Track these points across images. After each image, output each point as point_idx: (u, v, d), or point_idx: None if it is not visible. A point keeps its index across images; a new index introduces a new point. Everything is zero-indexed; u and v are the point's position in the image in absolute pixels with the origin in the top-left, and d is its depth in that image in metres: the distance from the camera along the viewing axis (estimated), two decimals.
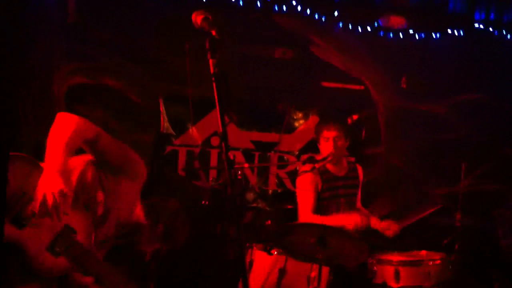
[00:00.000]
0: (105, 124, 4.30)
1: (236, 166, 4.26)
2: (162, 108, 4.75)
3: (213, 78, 2.17)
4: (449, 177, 4.52)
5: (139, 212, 2.34)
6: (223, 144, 2.14)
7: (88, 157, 2.26)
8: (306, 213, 3.80)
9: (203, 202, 3.49)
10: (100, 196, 2.22)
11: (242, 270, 2.12)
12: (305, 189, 3.82)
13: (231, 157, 2.12)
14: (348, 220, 3.69)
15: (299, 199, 3.89)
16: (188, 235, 2.42)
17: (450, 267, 3.71)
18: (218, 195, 3.71)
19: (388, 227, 3.82)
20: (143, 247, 2.43)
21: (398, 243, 3.86)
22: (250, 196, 4.79)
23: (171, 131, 4.77)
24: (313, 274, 3.18)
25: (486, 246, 4.69)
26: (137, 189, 2.31)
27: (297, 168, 4.10)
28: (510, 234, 4.88)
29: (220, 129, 2.14)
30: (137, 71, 4.45)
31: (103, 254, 2.32)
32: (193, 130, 4.76)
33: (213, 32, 2.20)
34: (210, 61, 2.19)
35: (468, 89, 5.41)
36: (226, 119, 2.16)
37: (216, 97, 2.16)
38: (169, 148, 4.83)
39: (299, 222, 3.84)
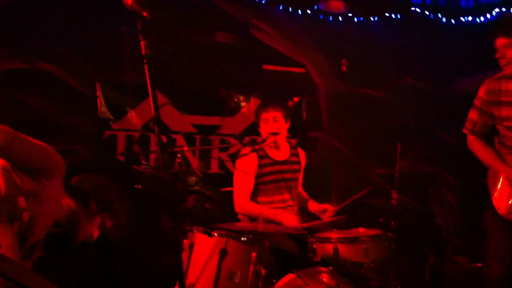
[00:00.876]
0: (43, 108, 4.20)
1: (176, 149, 4.26)
2: (99, 93, 4.65)
3: (145, 61, 2.15)
4: (387, 159, 4.66)
5: (65, 200, 2.27)
6: (156, 128, 2.13)
7: (0, 162, 2.11)
8: (241, 197, 3.83)
9: (136, 186, 3.46)
10: (21, 201, 2.11)
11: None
12: (243, 172, 3.84)
13: (165, 140, 2.11)
14: (286, 220, 3.72)
15: (236, 181, 3.90)
16: (129, 206, 2.39)
17: (387, 243, 3.83)
18: (151, 179, 3.68)
19: (324, 210, 3.90)
20: (85, 231, 2.38)
21: (337, 223, 3.95)
22: (191, 179, 4.77)
23: (109, 115, 4.68)
24: (254, 254, 3.21)
25: (421, 224, 4.87)
26: (59, 184, 2.23)
27: (239, 151, 4.10)
28: (445, 213, 5.10)
29: (153, 112, 2.13)
30: (74, 56, 4.34)
31: (35, 258, 2.23)
32: (132, 114, 4.69)
33: (145, 14, 2.17)
34: (142, 43, 2.17)
35: (406, 73, 5.56)
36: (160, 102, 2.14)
37: (148, 79, 2.14)
38: (107, 133, 4.77)
39: (234, 204, 3.87)
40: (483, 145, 3.41)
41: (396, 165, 4.42)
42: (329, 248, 3.62)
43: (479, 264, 4.53)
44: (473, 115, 3.45)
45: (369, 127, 5.30)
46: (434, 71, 5.65)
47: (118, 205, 2.39)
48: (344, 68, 5.45)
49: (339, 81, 5.33)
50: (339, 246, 3.62)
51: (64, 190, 2.26)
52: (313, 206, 4.01)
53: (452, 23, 5.93)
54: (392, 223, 4.13)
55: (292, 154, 4.10)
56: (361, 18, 5.68)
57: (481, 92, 3.40)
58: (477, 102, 3.43)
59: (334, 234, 3.70)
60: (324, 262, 3.54)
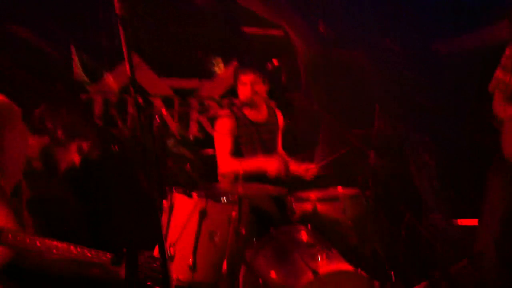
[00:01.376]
0: (13, 75, 4.10)
1: (154, 111, 4.25)
2: (74, 55, 4.55)
3: (119, 21, 2.12)
4: (364, 120, 4.70)
5: (32, 139, 2.32)
6: (132, 89, 2.12)
7: None
8: (223, 157, 3.87)
9: (113, 147, 3.45)
10: None
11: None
12: (223, 133, 3.88)
13: (142, 103, 2.10)
14: (268, 164, 3.77)
15: (217, 143, 3.94)
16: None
17: (364, 202, 3.91)
18: (128, 140, 3.68)
19: (306, 170, 3.96)
20: (66, 159, 2.45)
21: (316, 181, 4.01)
22: (170, 142, 4.78)
23: (84, 78, 4.60)
24: (234, 214, 3.26)
25: (397, 182, 4.96)
26: (19, 127, 2.23)
27: (217, 113, 4.13)
28: (421, 172, 5.20)
29: (129, 74, 2.11)
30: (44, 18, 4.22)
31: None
32: (108, 77, 4.62)
33: None
34: (116, 3, 2.13)
35: (385, 33, 5.55)
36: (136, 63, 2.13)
37: (123, 41, 2.12)
38: (83, 96, 4.69)
39: (218, 165, 3.91)
40: (504, 98, 3.45)
41: (373, 126, 4.48)
42: (308, 207, 3.70)
43: (454, 220, 4.67)
44: (499, 73, 3.52)
45: (348, 89, 5.33)
46: (414, 31, 5.64)
47: (85, 128, 2.46)
48: (321, 29, 5.42)
49: (318, 42, 5.31)
50: (318, 205, 3.70)
51: (27, 130, 2.29)
52: (295, 166, 4.06)
53: None
54: (370, 182, 4.21)
55: (270, 116, 4.14)
56: None
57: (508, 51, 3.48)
58: (504, 59, 3.50)
59: (313, 194, 3.76)
60: (303, 221, 3.62)
